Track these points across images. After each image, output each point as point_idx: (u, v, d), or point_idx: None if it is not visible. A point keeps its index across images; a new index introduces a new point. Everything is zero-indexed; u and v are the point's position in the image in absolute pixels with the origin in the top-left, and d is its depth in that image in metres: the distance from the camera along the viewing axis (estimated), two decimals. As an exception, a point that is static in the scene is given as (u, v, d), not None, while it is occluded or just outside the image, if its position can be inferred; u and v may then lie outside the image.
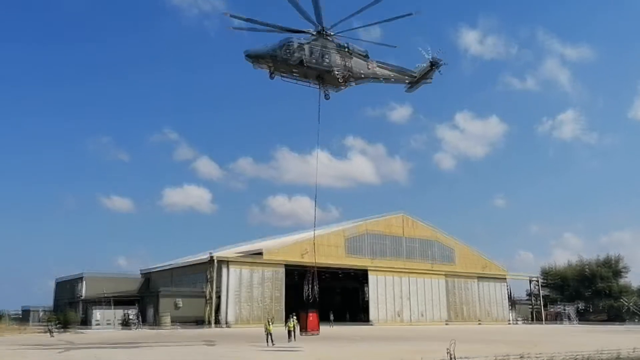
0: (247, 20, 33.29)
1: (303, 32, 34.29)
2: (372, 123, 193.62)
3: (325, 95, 35.81)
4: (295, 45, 33.77)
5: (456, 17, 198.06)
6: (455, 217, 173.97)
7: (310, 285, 36.04)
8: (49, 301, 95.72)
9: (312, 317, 35.62)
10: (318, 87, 35.63)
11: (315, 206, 37.68)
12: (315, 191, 37.19)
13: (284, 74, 34.51)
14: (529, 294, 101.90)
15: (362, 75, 36.52)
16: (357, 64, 36.02)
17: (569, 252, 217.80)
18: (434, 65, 38.43)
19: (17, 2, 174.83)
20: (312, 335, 36.23)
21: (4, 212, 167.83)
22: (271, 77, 34.25)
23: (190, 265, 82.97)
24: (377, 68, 37.24)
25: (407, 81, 38.99)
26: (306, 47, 34.04)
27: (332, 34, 34.70)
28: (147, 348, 31.93)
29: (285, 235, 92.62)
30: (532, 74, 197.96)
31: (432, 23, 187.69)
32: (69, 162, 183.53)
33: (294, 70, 34.23)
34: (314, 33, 34.36)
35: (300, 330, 36.91)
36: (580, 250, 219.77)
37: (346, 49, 35.57)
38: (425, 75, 38.95)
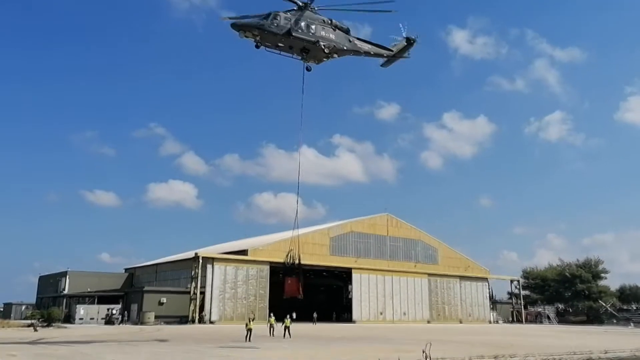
0: (241, 18, 34.17)
1: (287, 10, 35.33)
2: (360, 121, 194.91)
3: (307, 67, 36.96)
4: (282, 16, 34.69)
5: (447, 18, 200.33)
6: (441, 216, 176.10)
7: (291, 254, 36.62)
8: (31, 297, 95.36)
9: (291, 281, 36.07)
10: (301, 59, 36.67)
11: (299, 185, 38.34)
12: (299, 168, 37.76)
13: (269, 45, 35.26)
14: (510, 295, 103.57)
15: (345, 48, 38.04)
16: (340, 37, 37.44)
17: (552, 252, 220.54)
18: (409, 41, 40.23)
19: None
20: (293, 298, 36.55)
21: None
22: (257, 47, 35.01)
23: (174, 262, 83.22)
24: (358, 42, 38.93)
25: (384, 55, 40.70)
26: (292, 18, 35.00)
27: (315, 8, 35.88)
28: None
29: (270, 233, 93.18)
30: (521, 74, 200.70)
31: (421, 22, 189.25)
32: (52, 157, 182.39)
33: (280, 41, 35.03)
34: (297, 7, 35.43)
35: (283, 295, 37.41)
36: (563, 251, 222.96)
37: (330, 23, 36.81)
38: (401, 52, 40.78)
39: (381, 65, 42.17)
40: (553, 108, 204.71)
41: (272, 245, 72.87)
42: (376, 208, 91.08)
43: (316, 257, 73.67)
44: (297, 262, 36.12)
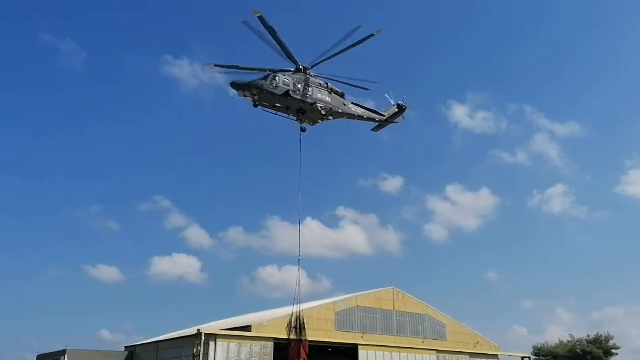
0: (229, 67, 35.23)
1: (283, 70, 36.42)
2: (364, 193, 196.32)
3: (302, 128, 37.76)
4: (281, 77, 35.74)
5: (447, 93, 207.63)
6: (447, 289, 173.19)
7: (292, 323, 36.00)
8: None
9: (294, 344, 35.35)
10: (296, 119, 37.53)
11: (300, 252, 38.45)
12: (299, 237, 38.07)
13: (267, 105, 36.07)
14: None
15: (340, 111, 39.07)
16: (335, 100, 38.55)
17: (562, 327, 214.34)
18: (400, 108, 41.62)
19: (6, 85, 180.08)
20: None
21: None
22: (254, 106, 35.83)
23: (176, 339, 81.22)
24: (352, 106, 40.13)
25: (376, 120, 41.83)
26: (290, 80, 36.07)
27: (311, 72, 37.10)
28: None
29: (275, 307, 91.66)
30: (522, 148, 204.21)
31: (422, 97, 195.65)
32: (53, 230, 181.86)
33: (277, 101, 35.86)
34: (294, 70, 36.60)
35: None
36: (573, 326, 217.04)
37: (326, 86, 37.98)
38: (392, 117, 42.08)
39: (372, 130, 43.61)
40: (555, 181, 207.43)
41: (276, 320, 71.37)
42: (382, 280, 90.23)
43: (321, 332, 72.06)
44: (300, 325, 35.73)
